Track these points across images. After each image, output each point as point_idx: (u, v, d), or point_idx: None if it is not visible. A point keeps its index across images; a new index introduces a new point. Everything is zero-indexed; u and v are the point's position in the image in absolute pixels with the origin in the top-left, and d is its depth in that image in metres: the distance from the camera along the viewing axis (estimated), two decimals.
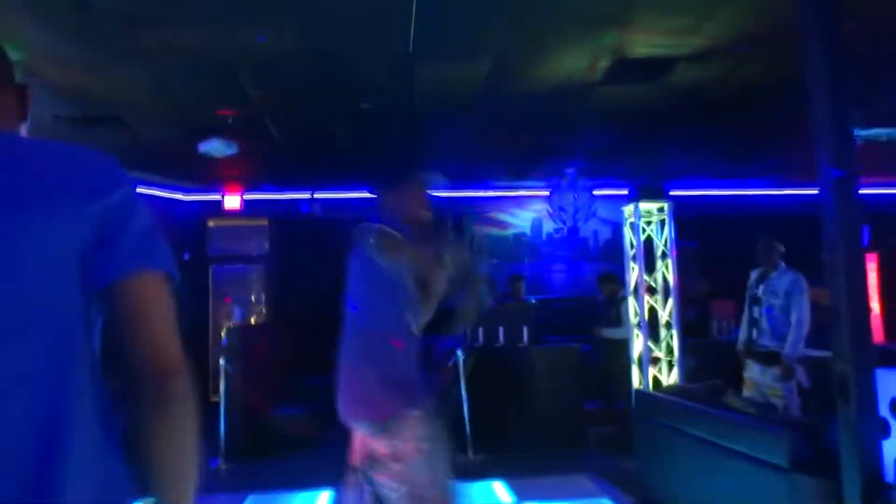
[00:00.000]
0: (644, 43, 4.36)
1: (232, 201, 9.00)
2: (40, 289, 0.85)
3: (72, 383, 0.86)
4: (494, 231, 8.93)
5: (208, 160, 6.51)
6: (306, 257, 8.33)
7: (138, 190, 0.99)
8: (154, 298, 0.93)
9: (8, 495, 0.80)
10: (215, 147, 5.82)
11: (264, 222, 9.15)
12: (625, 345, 5.88)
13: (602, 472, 5.09)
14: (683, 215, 6.05)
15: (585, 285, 7.92)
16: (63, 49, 4.40)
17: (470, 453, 5.62)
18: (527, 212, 9.05)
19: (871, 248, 8.38)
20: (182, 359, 0.95)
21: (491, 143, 6.63)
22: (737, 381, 4.65)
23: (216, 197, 8.88)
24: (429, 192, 2.46)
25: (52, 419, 0.84)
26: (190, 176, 8.15)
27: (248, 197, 8.98)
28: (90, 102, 5.49)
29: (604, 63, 4.65)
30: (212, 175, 8.18)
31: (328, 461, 5.25)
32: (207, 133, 5.85)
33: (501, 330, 6.55)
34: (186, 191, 8.90)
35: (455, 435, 5.69)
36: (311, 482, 4.85)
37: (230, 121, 5.50)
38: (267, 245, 9.17)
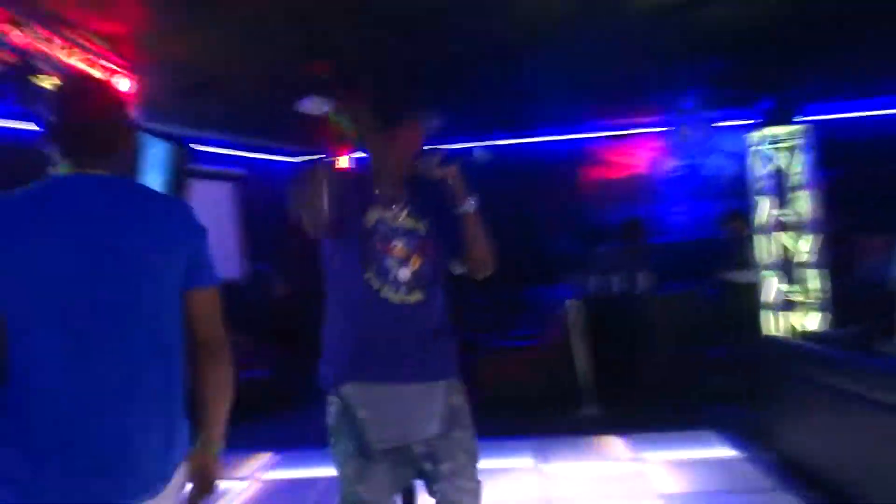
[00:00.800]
0: None
1: (342, 161, 9.06)
2: (170, 288, 1.49)
3: (180, 347, 1.51)
4: (608, 174, 8.46)
5: (314, 121, 6.54)
6: None
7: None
8: (213, 301, 1.58)
9: (150, 425, 1.42)
10: (313, 105, 5.80)
11: None
12: (753, 288, 5.36)
13: (729, 425, 4.71)
14: (819, 141, 5.36)
15: (710, 225, 7.33)
16: (155, 17, 4.47)
17: (587, 407, 5.40)
18: (642, 151, 8.47)
19: None
20: (225, 336, 1.59)
21: (595, 80, 6.17)
22: (890, 327, 4.09)
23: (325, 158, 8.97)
24: (423, 138, 2.06)
25: (175, 370, 1.49)
26: (299, 139, 8.28)
27: (357, 155, 9.01)
28: (192, 71, 5.61)
29: None
30: (319, 136, 8.25)
31: None
32: (304, 92, 5.84)
33: (617, 277, 6.21)
34: (296, 154, 9.08)
35: (570, 388, 5.49)
36: None
37: (324, 76, 5.43)
38: None
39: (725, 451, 4.32)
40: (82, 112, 1.47)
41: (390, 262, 1.97)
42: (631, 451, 4.46)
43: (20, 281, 1.33)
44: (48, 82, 4.58)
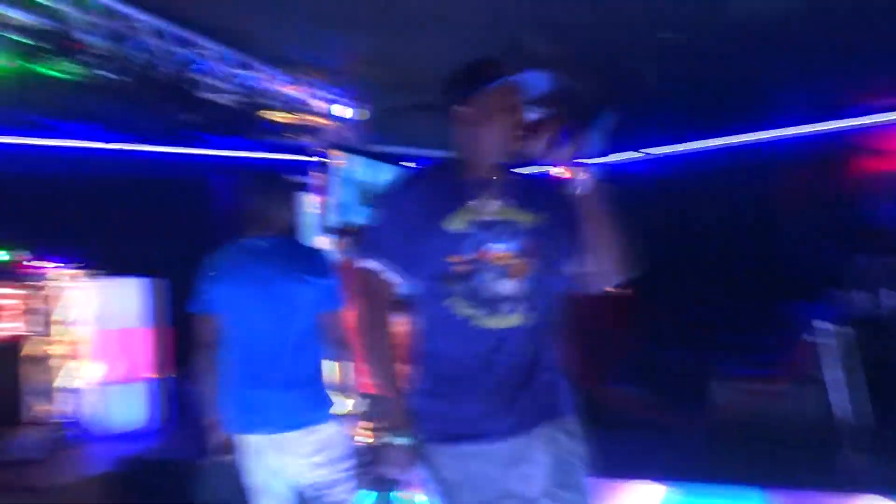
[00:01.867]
0: None
1: (559, 170, 8.80)
2: (306, 308, 2.37)
3: (316, 342, 2.42)
4: (880, 166, 6.99)
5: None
6: (642, 221, 7.72)
7: None
8: (334, 319, 2.42)
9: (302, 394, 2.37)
10: None
11: None
12: None
13: None
14: None
15: None
16: (370, 47, 4.65)
17: (846, 455, 4.40)
18: None
19: None
20: (341, 339, 2.42)
21: (856, 54, 5.08)
22: None
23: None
24: (525, 101, 1.57)
25: (316, 356, 2.43)
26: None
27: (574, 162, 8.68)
28: (407, 91, 5.78)
29: None
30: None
31: (664, 449, 4.68)
32: None
33: (889, 294, 5.05)
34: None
35: (824, 430, 4.54)
36: (639, 471, 4.35)
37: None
38: None
39: None
40: (260, 202, 2.44)
41: (487, 276, 1.56)
42: None
43: (227, 305, 2.37)
44: (275, 117, 5.06)
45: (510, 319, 1.56)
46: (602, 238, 1.57)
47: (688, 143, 7.61)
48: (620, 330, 6.85)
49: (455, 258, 1.55)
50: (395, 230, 1.61)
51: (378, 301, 1.65)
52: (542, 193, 1.63)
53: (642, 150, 8.03)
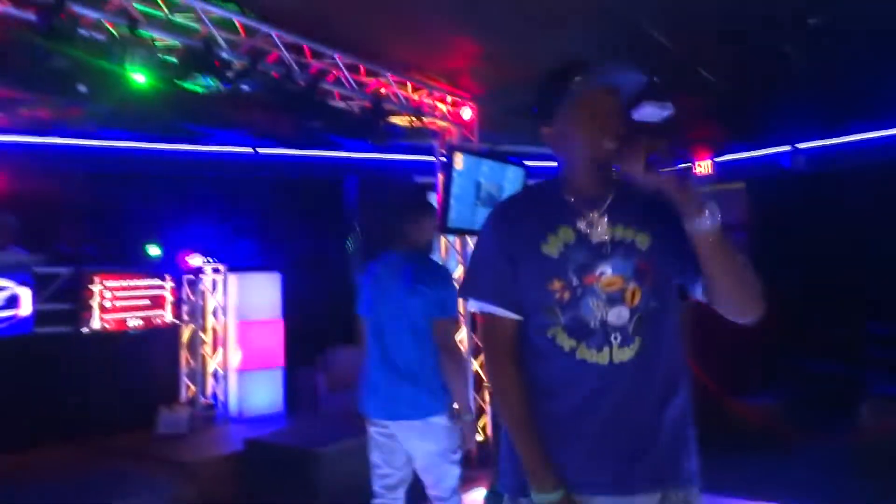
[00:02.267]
0: None
1: (702, 167, 8.34)
2: (416, 314, 2.71)
3: (430, 340, 2.72)
4: None
5: (652, 129, 6.13)
6: (792, 220, 7.17)
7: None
8: (444, 326, 2.72)
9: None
10: (649, 112, 5.40)
11: (740, 186, 8.22)
12: None
13: None
14: None
15: None
16: (488, 49, 4.67)
17: None
18: None
19: None
20: (452, 344, 2.79)
21: None
22: None
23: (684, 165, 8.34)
24: (611, 106, 1.41)
25: (432, 358, 2.74)
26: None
27: (719, 160, 8.17)
28: (529, 91, 5.73)
29: None
30: (676, 143, 7.71)
31: (799, 469, 4.29)
32: (638, 99, 5.48)
33: None
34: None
35: None
36: (766, 492, 4.04)
37: (655, 79, 5.00)
38: (746, 211, 8.23)
39: None
40: (403, 224, 2.83)
41: (593, 303, 1.37)
42: None
43: (365, 309, 2.87)
44: (400, 121, 5.22)
45: (621, 353, 1.37)
46: (726, 281, 1.35)
47: (840, 137, 6.92)
48: (764, 338, 6.38)
49: (556, 284, 1.39)
50: (497, 265, 1.46)
51: (499, 346, 1.48)
52: (658, 209, 1.39)
53: (790, 145, 7.41)
